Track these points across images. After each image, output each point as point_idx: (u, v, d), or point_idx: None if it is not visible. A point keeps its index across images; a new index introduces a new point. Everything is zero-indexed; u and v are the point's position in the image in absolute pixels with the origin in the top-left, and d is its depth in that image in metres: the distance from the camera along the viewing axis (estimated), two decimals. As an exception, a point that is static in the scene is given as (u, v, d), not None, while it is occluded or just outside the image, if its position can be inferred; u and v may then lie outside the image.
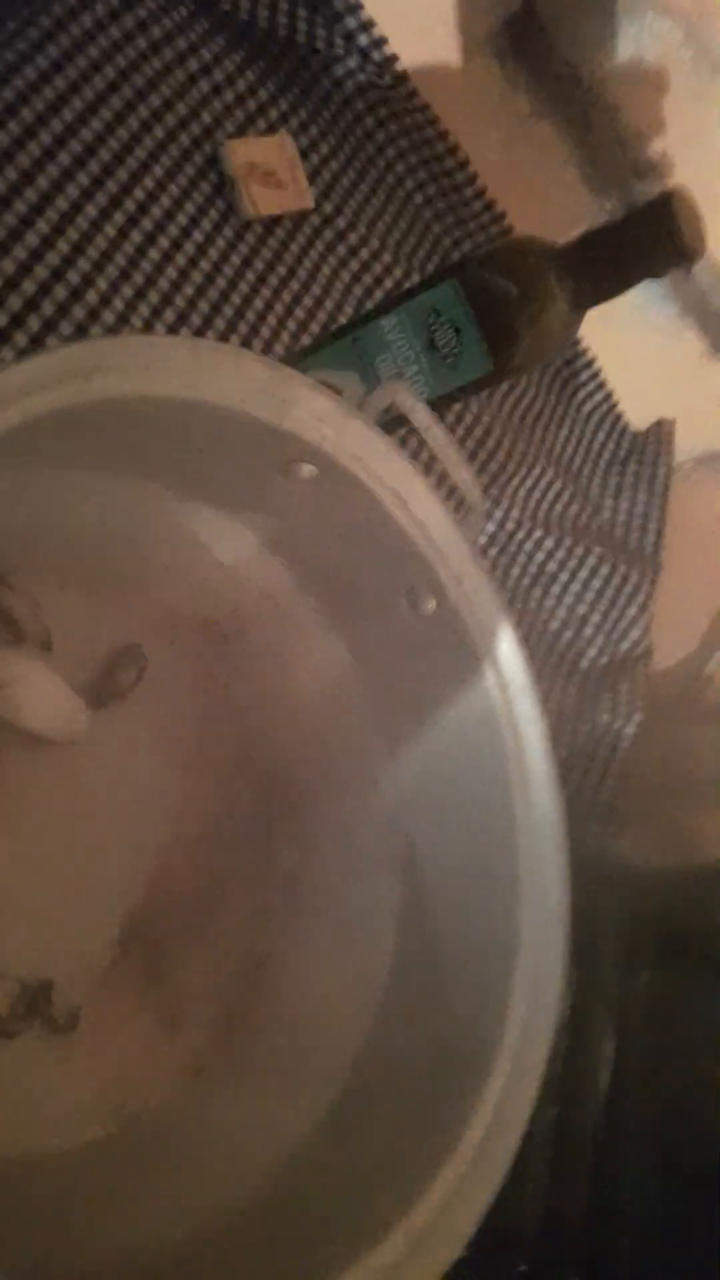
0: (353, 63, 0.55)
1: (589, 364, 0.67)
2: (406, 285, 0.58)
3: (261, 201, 0.51)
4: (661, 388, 0.69)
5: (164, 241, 0.48)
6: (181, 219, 0.49)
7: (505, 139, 0.59)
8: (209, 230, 0.50)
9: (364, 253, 0.57)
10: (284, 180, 0.53)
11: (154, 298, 0.47)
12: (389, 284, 0.57)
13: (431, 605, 0.33)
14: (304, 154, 0.55)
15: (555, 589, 0.62)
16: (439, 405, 0.44)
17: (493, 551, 0.61)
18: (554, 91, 0.58)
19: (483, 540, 0.60)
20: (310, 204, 0.54)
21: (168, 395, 0.26)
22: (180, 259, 0.49)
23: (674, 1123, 0.42)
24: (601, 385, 0.68)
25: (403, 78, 0.57)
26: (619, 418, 0.69)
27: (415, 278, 0.59)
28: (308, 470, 0.31)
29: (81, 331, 0.45)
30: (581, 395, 0.68)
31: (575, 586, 0.63)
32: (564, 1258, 0.39)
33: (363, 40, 0.54)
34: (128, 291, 0.46)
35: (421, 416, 0.32)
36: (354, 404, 0.45)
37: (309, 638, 0.36)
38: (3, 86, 0.44)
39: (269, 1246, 0.28)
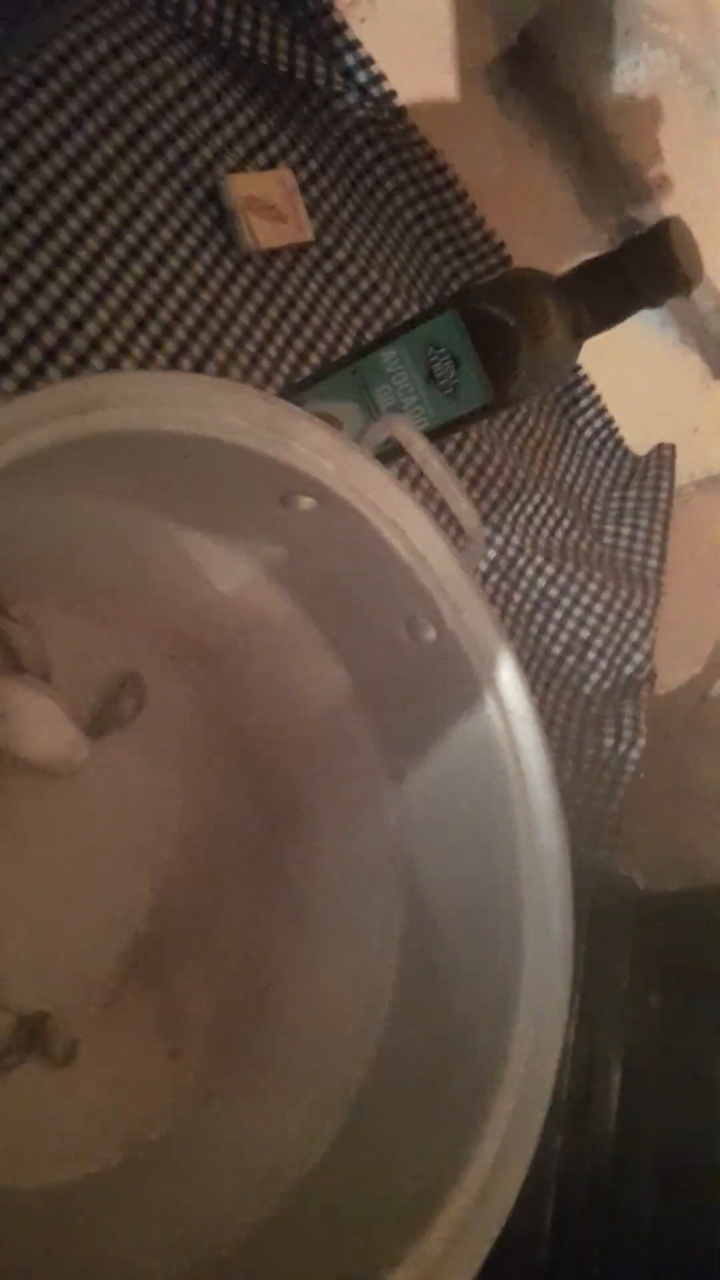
0: (352, 98, 0.56)
1: (589, 390, 0.68)
2: (406, 316, 0.59)
3: (261, 234, 0.52)
4: (662, 412, 0.69)
5: (165, 274, 0.49)
6: (182, 251, 0.50)
7: (504, 169, 0.59)
8: (209, 263, 0.51)
9: (364, 284, 0.57)
10: (284, 213, 0.53)
11: (155, 329, 0.48)
12: (389, 315, 0.58)
13: (432, 634, 0.33)
14: (304, 187, 0.56)
15: (557, 614, 0.63)
16: (439, 435, 0.45)
17: (494, 577, 0.61)
18: (552, 122, 0.58)
19: (484, 566, 0.60)
20: (310, 236, 0.54)
21: (169, 430, 0.27)
22: (181, 291, 0.49)
23: (685, 1149, 0.41)
24: (602, 411, 0.68)
25: (401, 112, 0.58)
26: (619, 442, 0.69)
27: (415, 308, 0.59)
28: (307, 502, 0.31)
29: (82, 362, 0.45)
30: (582, 421, 0.68)
31: (577, 611, 0.63)
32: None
33: (361, 77, 0.55)
34: (129, 323, 0.47)
35: (420, 448, 0.32)
36: (353, 436, 0.45)
37: (310, 665, 0.36)
38: (5, 120, 0.45)
39: (276, 1276, 0.28)
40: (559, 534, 0.63)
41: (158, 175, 0.50)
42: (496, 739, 0.33)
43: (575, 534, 0.64)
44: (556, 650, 0.63)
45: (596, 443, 0.69)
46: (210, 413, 0.27)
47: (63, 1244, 0.28)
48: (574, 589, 0.63)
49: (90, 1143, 0.30)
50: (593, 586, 0.64)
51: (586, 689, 0.63)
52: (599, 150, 0.58)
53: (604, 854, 0.56)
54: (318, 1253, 0.28)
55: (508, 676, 0.33)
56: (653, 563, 0.66)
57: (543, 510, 0.63)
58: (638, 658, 0.65)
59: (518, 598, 0.62)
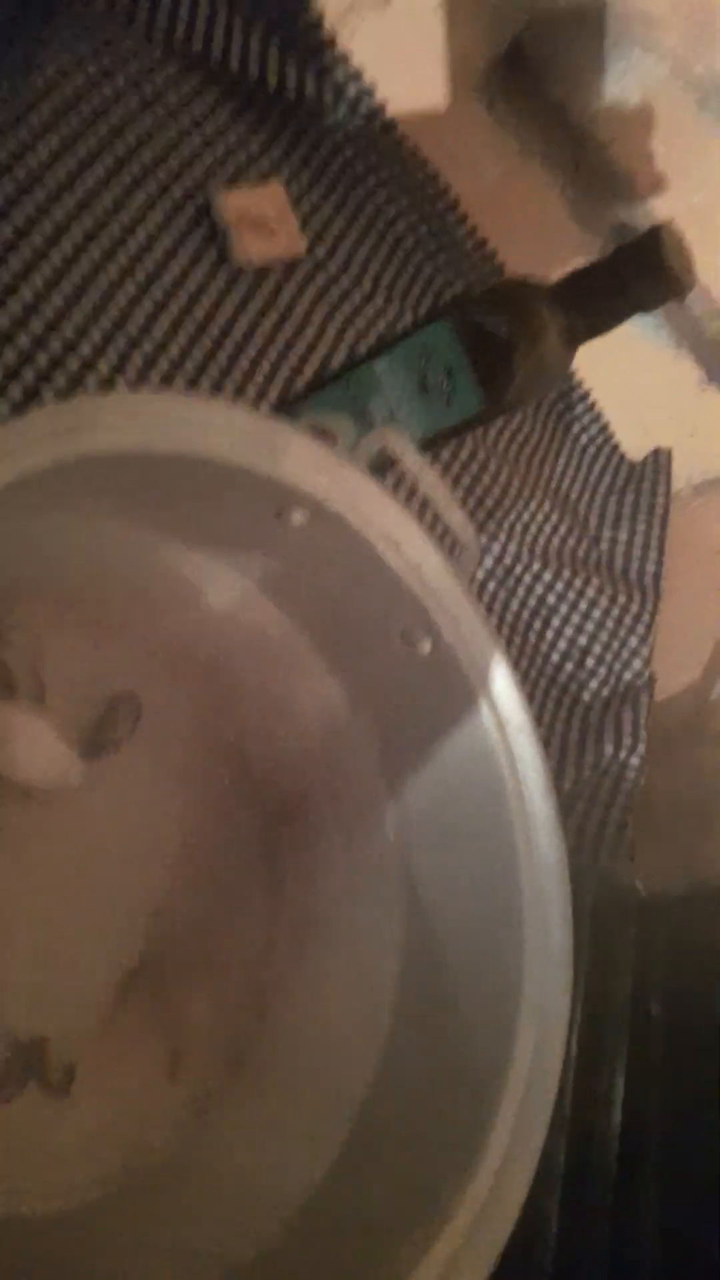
0: (342, 112, 0.56)
1: (584, 395, 0.68)
2: (400, 327, 0.59)
3: (254, 249, 0.52)
4: (658, 417, 0.69)
5: (158, 291, 0.49)
6: (175, 268, 0.50)
7: (496, 177, 0.60)
8: (202, 279, 0.51)
9: (357, 296, 0.57)
10: (276, 228, 0.54)
11: (148, 346, 0.48)
12: (382, 326, 0.58)
13: (427, 646, 0.33)
14: (296, 201, 0.56)
15: (555, 621, 0.63)
16: (433, 445, 0.45)
17: (492, 585, 0.61)
18: (543, 130, 0.59)
19: (481, 574, 0.60)
20: (303, 250, 0.55)
21: (161, 450, 0.27)
22: (174, 307, 0.49)
23: (689, 1156, 0.41)
24: (597, 417, 0.68)
25: (392, 124, 0.58)
26: (615, 448, 0.70)
27: (408, 319, 0.60)
28: (301, 516, 0.31)
29: (77, 382, 0.45)
30: (577, 427, 0.68)
31: (575, 618, 0.63)
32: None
33: (351, 90, 0.55)
34: (122, 341, 0.47)
35: (412, 461, 0.32)
36: (348, 448, 0.46)
37: (306, 679, 0.36)
38: (-1, 144, 0.45)
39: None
40: (555, 540, 0.64)
41: (150, 194, 0.50)
42: (493, 750, 0.33)
43: (572, 540, 0.65)
44: (555, 657, 0.63)
45: (592, 449, 0.69)
46: (202, 431, 0.27)
47: (65, 1272, 0.28)
48: (572, 595, 0.63)
49: (90, 1169, 0.30)
50: (590, 592, 0.64)
51: (586, 695, 0.63)
52: (591, 157, 0.58)
53: (605, 861, 0.56)
54: (324, 1271, 0.28)
55: (504, 687, 0.33)
56: (650, 568, 0.66)
57: (539, 517, 0.63)
58: (636, 663, 0.65)
59: (515, 605, 0.62)
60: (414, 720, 0.34)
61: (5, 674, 0.31)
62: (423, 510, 0.42)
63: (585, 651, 0.64)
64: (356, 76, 0.56)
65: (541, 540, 0.63)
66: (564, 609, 0.63)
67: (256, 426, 0.29)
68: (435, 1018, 0.32)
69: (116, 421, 0.26)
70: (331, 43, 0.55)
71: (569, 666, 0.63)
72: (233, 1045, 0.34)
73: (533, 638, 0.62)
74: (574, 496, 0.67)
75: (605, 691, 0.64)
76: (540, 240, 0.61)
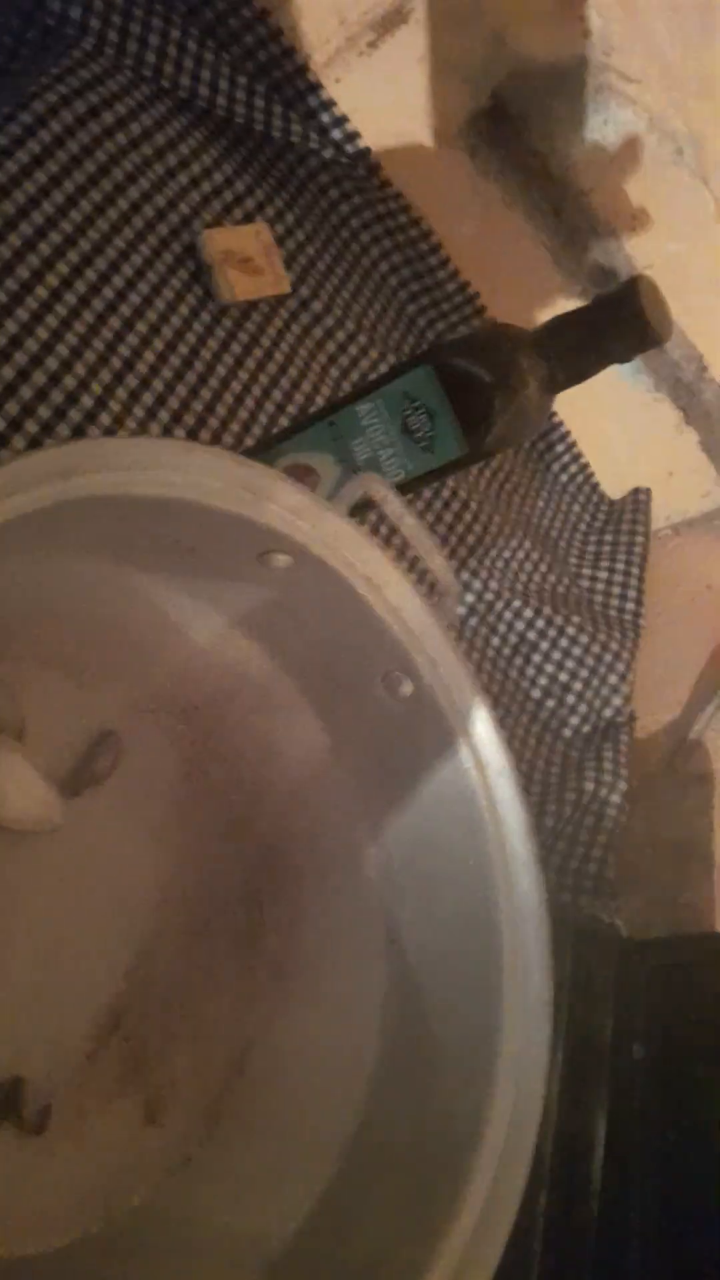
0: (328, 154, 0.57)
1: (564, 435, 0.69)
2: (383, 366, 0.60)
3: (239, 287, 0.52)
4: (637, 457, 0.70)
5: (142, 326, 0.49)
6: (160, 305, 0.50)
7: (477, 225, 0.60)
8: (187, 315, 0.51)
9: (340, 335, 0.58)
10: (260, 266, 0.54)
11: (132, 381, 0.48)
12: (365, 365, 0.58)
13: (408, 689, 0.33)
14: (281, 240, 0.57)
15: (536, 658, 0.63)
16: (415, 486, 0.45)
17: (473, 621, 0.61)
18: (524, 179, 0.60)
19: (463, 610, 0.61)
20: (287, 288, 0.55)
21: (147, 494, 0.27)
22: (158, 343, 0.50)
23: (672, 1200, 0.41)
24: (577, 456, 0.69)
25: (376, 167, 0.59)
26: (595, 487, 0.70)
27: (391, 359, 0.60)
28: (283, 560, 0.31)
29: (60, 415, 0.45)
30: (557, 466, 0.69)
31: (556, 655, 0.64)
32: None
33: (336, 134, 0.56)
34: (106, 376, 0.47)
35: (394, 507, 0.32)
36: (330, 486, 0.46)
37: (288, 721, 0.36)
38: (-14, 180, 0.45)
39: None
40: (536, 578, 0.64)
41: (136, 231, 0.50)
42: (474, 792, 0.33)
43: (553, 578, 0.65)
44: (536, 694, 0.63)
45: (573, 487, 0.69)
46: (186, 476, 0.27)
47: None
48: (552, 632, 0.63)
49: (67, 1212, 0.30)
50: (571, 630, 0.64)
51: (566, 732, 0.63)
52: (571, 205, 0.59)
53: (586, 900, 0.56)
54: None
55: (484, 729, 0.33)
56: (630, 606, 0.66)
57: (520, 554, 0.63)
58: (617, 701, 0.65)
59: (496, 641, 0.62)
60: (395, 763, 0.34)
61: (-16, 715, 0.31)
62: (402, 552, 0.43)
63: (566, 688, 0.64)
64: (342, 120, 0.57)
65: (523, 577, 0.63)
66: (545, 646, 0.63)
67: (241, 471, 0.29)
68: (415, 1066, 0.32)
69: (101, 465, 0.26)
70: (317, 86, 0.56)
71: (550, 703, 0.64)
72: (212, 1093, 0.34)
73: (514, 674, 0.62)
74: (554, 535, 0.68)
75: (586, 728, 0.64)
76: (522, 285, 0.62)
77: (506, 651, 0.62)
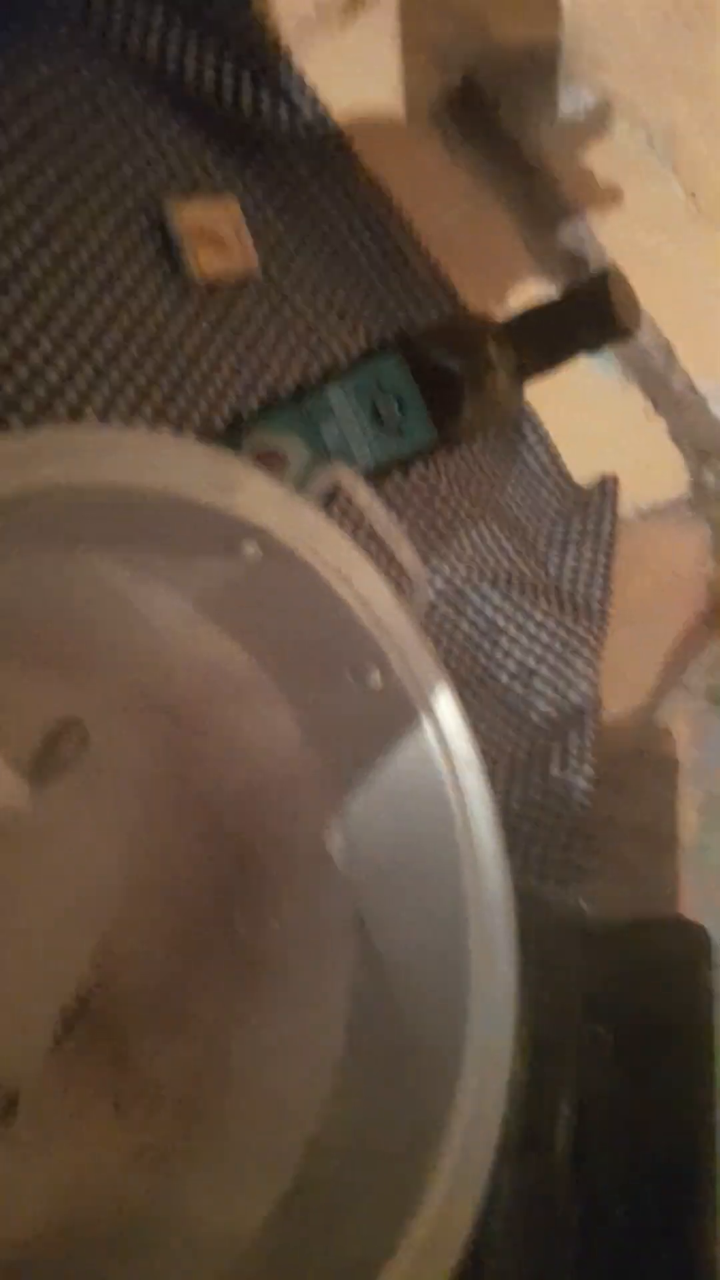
0: (298, 129, 0.56)
1: (533, 422, 0.68)
2: (352, 346, 0.59)
3: (207, 264, 0.52)
4: (605, 444, 0.70)
5: (108, 303, 0.48)
6: (127, 280, 0.49)
7: (448, 207, 0.60)
8: (154, 292, 0.50)
9: (309, 313, 0.57)
10: (229, 242, 0.53)
11: (99, 358, 0.47)
12: (335, 346, 0.58)
13: (377, 680, 0.33)
14: (250, 215, 0.56)
15: (504, 643, 0.63)
16: (384, 472, 0.45)
17: (442, 606, 0.61)
18: (495, 162, 0.59)
19: (431, 595, 0.61)
20: (256, 266, 0.54)
21: (113, 484, 0.26)
22: (125, 321, 0.49)
23: (638, 1180, 0.42)
24: (546, 443, 0.69)
25: (347, 145, 0.58)
26: (564, 474, 0.70)
27: (361, 338, 0.60)
28: (252, 550, 0.31)
29: (24, 390, 0.44)
30: (527, 452, 0.69)
31: (524, 639, 0.64)
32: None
33: (306, 110, 0.55)
34: (72, 352, 0.46)
35: (363, 498, 0.32)
36: (299, 470, 0.45)
37: (257, 711, 0.36)
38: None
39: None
40: (505, 563, 0.64)
41: (101, 203, 0.49)
42: (442, 784, 0.33)
43: (521, 563, 0.65)
44: (504, 678, 0.63)
45: (542, 473, 0.69)
46: (154, 466, 0.27)
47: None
48: (520, 617, 0.64)
49: (33, 1204, 0.30)
50: (538, 615, 0.64)
51: (534, 716, 0.64)
52: (541, 190, 0.59)
53: (552, 883, 0.56)
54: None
55: (452, 721, 0.33)
56: (597, 592, 0.67)
57: (489, 540, 0.63)
58: (583, 685, 0.65)
59: (465, 626, 0.62)
60: (364, 755, 0.34)
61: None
62: (369, 541, 0.42)
63: (533, 673, 0.64)
64: (312, 95, 0.56)
65: (491, 562, 0.63)
66: (512, 631, 0.63)
67: (208, 460, 0.28)
68: (383, 1053, 0.32)
69: (65, 454, 0.25)
70: (287, 60, 0.55)
71: (517, 687, 0.64)
72: (180, 1083, 0.34)
73: (482, 659, 0.63)
74: (523, 520, 0.68)
75: (553, 712, 0.64)
76: (492, 268, 0.62)
77: (475, 637, 0.62)
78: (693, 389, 0.69)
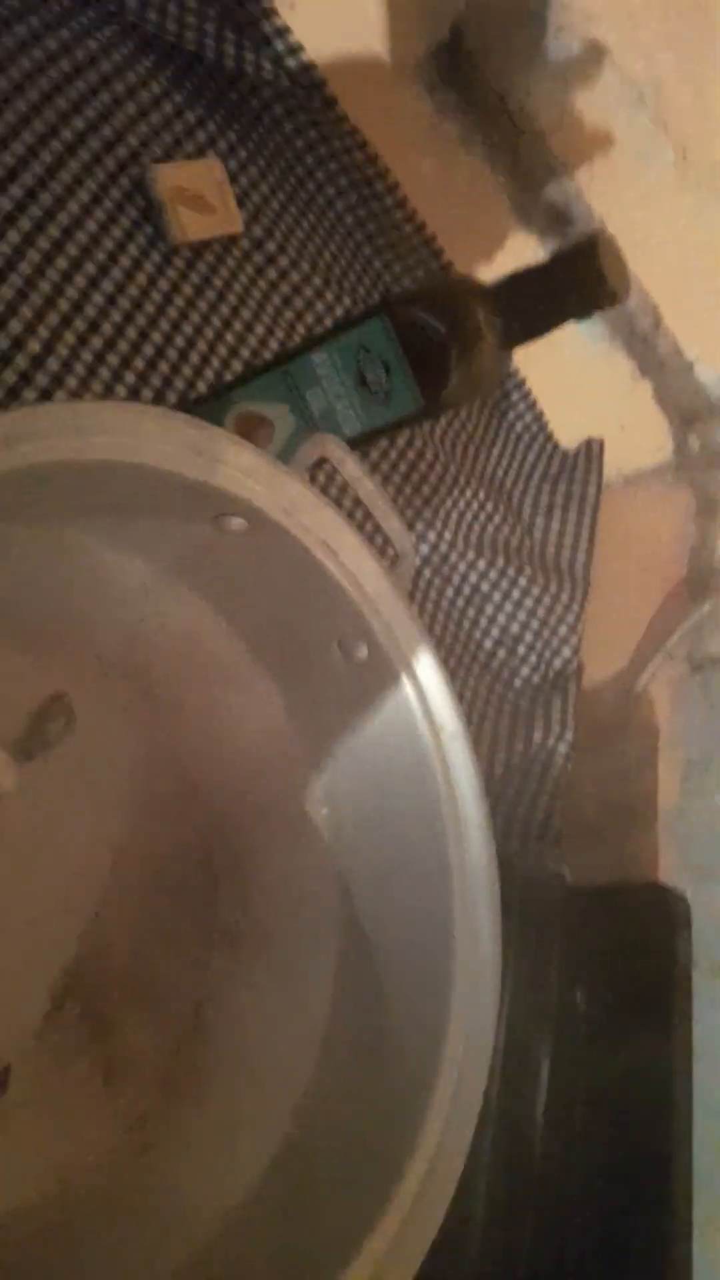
0: (282, 84, 0.55)
1: (520, 385, 0.68)
2: (338, 309, 0.58)
3: (190, 226, 0.51)
4: (590, 409, 0.70)
5: (90, 267, 0.48)
6: (108, 243, 0.49)
7: (434, 165, 0.59)
8: (136, 255, 0.49)
9: (294, 276, 0.56)
10: (213, 204, 0.52)
11: (80, 324, 0.47)
12: (320, 307, 0.57)
13: (363, 652, 0.33)
14: (233, 176, 0.55)
15: (489, 608, 0.63)
16: (371, 439, 0.45)
17: (427, 572, 0.61)
18: (482, 118, 0.58)
19: (417, 562, 0.61)
20: (239, 228, 0.54)
21: (96, 459, 0.26)
22: (107, 285, 0.48)
23: (613, 1143, 0.43)
24: (532, 406, 0.68)
25: (332, 101, 0.57)
26: (549, 438, 0.70)
27: (347, 300, 0.59)
28: (238, 523, 0.31)
29: (6, 362, 0.44)
30: (512, 416, 0.68)
31: (508, 606, 0.64)
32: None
33: (291, 64, 0.54)
34: (53, 318, 0.46)
35: (351, 469, 0.32)
36: (285, 436, 0.45)
37: (242, 685, 0.36)
38: None
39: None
40: (490, 529, 0.64)
41: (83, 164, 0.48)
42: (427, 755, 0.33)
43: (506, 529, 0.65)
44: (488, 644, 0.64)
45: (527, 437, 0.69)
46: (137, 440, 0.27)
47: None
48: (505, 583, 0.64)
49: (24, 1173, 0.30)
50: (523, 581, 0.64)
51: (517, 682, 0.64)
52: (529, 147, 0.58)
53: (533, 848, 0.57)
54: (256, 1270, 0.29)
55: (438, 693, 0.34)
56: (580, 558, 0.67)
57: (474, 505, 0.63)
58: (566, 651, 0.66)
59: (450, 592, 0.62)
60: (349, 727, 0.34)
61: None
62: (354, 511, 0.42)
63: (517, 639, 0.64)
64: (295, 50, 0.54)
65: (476, 529, 0.63)
66: (497, 597, 0.64)
67: (193, 434, 0.28)
68: (367, 1025, 0.33)
69: (49, 431, 0.25)
70: (271, 12, 0.53)
71: (501, 653, 0.64)
72: (168, 1057, 0.34)
73: (466, 625, 0.63)
74: (508, 485, 0.67)
75: (536, 678, 0.65)
76: (478, 227, 0.61)
77: (460, 603, 0.62)
78: (679, 352, 0.69)
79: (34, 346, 0.45)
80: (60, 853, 0.34)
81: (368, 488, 0.32)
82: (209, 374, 0.52)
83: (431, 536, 0.61)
